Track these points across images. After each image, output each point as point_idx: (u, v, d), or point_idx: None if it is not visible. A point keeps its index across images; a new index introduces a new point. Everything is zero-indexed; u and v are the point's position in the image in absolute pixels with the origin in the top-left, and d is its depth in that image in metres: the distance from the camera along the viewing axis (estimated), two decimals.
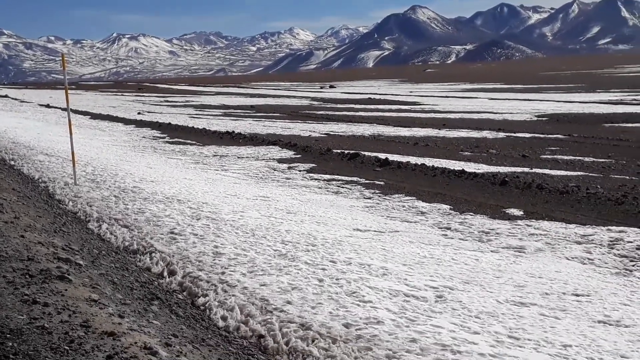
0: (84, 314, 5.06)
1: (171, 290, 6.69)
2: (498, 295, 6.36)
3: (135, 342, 4.56)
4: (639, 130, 25.21)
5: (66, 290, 5.66)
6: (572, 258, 7.97)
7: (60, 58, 13.39)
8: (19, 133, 24.75)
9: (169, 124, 30.63)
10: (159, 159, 18.21)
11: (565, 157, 17.94)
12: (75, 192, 11.85)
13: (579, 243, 8.65)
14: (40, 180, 13.45)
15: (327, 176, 14.92)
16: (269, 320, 5.62)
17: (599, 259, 7.90)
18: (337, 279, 6.69)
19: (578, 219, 10.24)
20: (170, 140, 23.88)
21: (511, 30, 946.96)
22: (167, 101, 59.42)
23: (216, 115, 39.41)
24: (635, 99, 44.05)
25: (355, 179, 14.50)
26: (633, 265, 7.64)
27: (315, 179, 14.59)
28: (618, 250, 8.27)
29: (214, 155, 19.11)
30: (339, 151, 18.74)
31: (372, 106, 46.41)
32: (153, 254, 7.78)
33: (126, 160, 17.28)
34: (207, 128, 27.86)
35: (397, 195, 12.42)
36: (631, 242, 8.58)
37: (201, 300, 6.29)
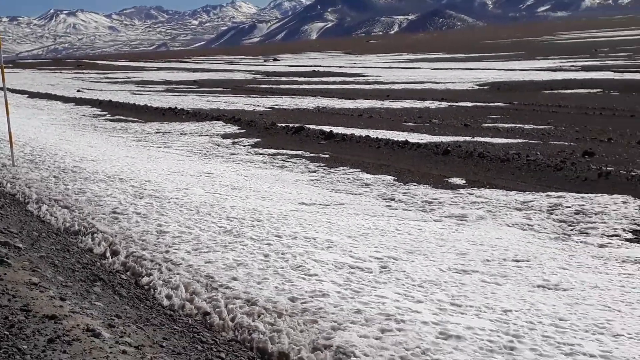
0: (24, 298, 4.96)
1: (114, 270, 6.61)
2: (441, 263, 6.46)
3: (78, 325, 4.50)
4: (577, 96, 25.78)
5: (5, 274, 5.54)
6: (513, 225, 8.14)
7: None
8: None
9: (110, 101, 30.06)
10: (100, 137, 17.88)
11: (506, 125, 18.25)
12: (13, 173, 11.56)
13: (519, 210, 8.83)
14: None
15: (272, 150, 14.87)
16: (215, 297, 5.60)
17: (538, 225, 8.08)
18: (282, 254, 6.69)
19: (518, 186, 10.46)
20: (111, 117, 23.45)
21: None
22: (108, 78, 58.24)
23: (158, 91, 38.82)
24: (573, 65, 45.00)
25: (300, 152, 14.49)
26: (571, 230, 7.84)
27: (260, 154, 14.53)
28: (557, 215, 8.48)
29: (157, 132, 18.85)
30: (283, 125, 18.69)
31: (317, 79, 46.34)
32: (95, 235, 7.66)
33: (66, 140, 16.92)
34: (149, 104, 27.43)
35: (342, 168, 12.47)
36: (569, 207, 8.80)
37: (145, 279, 6.23)
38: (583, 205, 8.85)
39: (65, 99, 32.83)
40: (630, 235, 7.53)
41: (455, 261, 6.54)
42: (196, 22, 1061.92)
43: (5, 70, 13.58)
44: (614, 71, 36.96)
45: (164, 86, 43.90)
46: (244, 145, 15.82)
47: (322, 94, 32.32)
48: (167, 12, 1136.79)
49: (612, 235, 7.56)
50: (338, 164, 12.90)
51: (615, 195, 9.30)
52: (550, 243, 7.33)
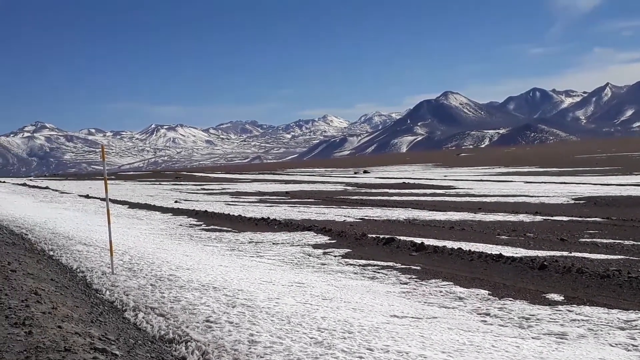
0: None
1: None
2: None
3: None
4: None
5: None
6: (616, 344, 7.75)
7: (100, 149, 13.74)
8: (58, 224, 25.15)
9: (205, 211, 30.94)
10: (195, 247, 18.32)
11: (605, 241, 17.65)
12: (112, 281, 11.93)
13: (623, 329, 8.42)
14: (78, 269, 13.59)
15: (363, 261, 14.85)
16: None
17: None
18: None
19: (620, 303, 10.00)
20: (207, 227, 24.07)
21: (544, 114, 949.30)
22: (204, 189, 60.19)
23: (252, 201, 39.76)
24: None
25: (391, 264, 14.40)
26: None
27: (351, 265, 14.52)
28: None
29: (250, 242, 19.18)
30: (374, 236, 18.69)
31: (407, 190, 46.47)
32: (189, 343, 7.74)
33: (163, 249, 17.41)
34: (243, 215, 28.07)
35: (434, 281, 12.28)
36: None
37: None
38: None
39: (163, 210, 34.02)
40: None
41: None
42: (289, 136, 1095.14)
43: (108, 182, 14.29)
44: None
45: (257, 197, 44.96)
46: (335, 256, 15.87)
47: (413, 205, 32.31)
48: (261, 127, 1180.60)
49: None
50: (430, 277, 12.72)
51: None
52: None
